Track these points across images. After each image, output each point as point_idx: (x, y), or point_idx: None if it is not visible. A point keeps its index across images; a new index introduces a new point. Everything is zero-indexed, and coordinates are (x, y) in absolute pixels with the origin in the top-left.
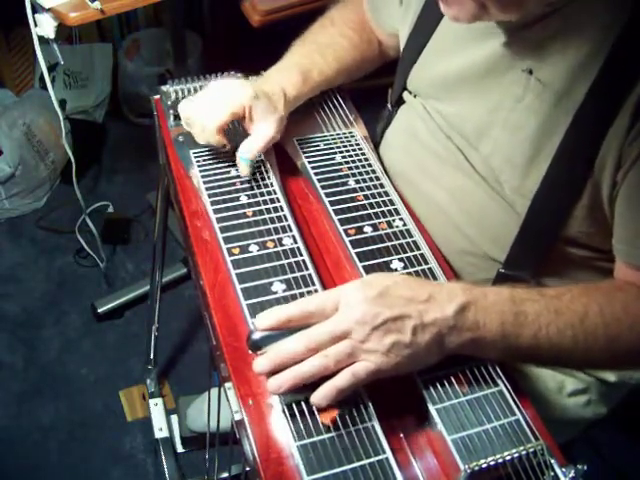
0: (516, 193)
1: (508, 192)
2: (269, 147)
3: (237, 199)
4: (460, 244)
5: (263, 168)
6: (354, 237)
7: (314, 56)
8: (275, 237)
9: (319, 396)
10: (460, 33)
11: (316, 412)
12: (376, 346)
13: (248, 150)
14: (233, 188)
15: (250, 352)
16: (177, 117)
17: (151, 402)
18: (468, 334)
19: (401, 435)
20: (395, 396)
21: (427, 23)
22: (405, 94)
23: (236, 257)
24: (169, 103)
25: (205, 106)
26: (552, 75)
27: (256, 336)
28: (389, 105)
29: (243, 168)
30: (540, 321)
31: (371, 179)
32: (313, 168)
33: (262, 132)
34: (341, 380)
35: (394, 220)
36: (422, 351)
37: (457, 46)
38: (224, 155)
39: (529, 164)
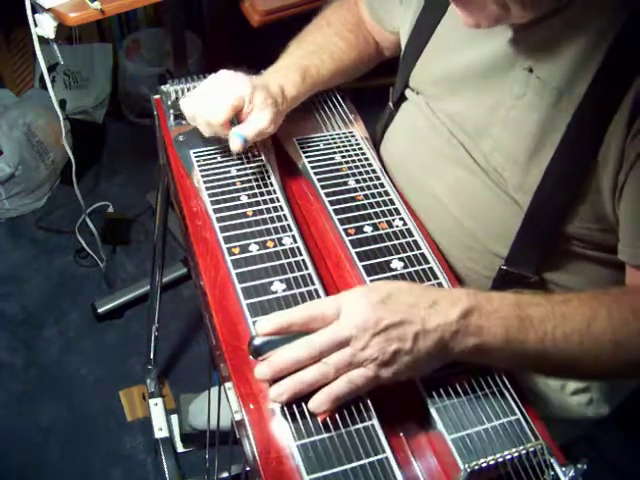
0: (518, 190)
1: (510, 188)
2: (269, 145)
3: (237, 199)
4: (460, 237)
5: (263, 168)
6: (354, 237)
7: (312, 56)
8: (275, 237)
9: (316, 403)
10: (462, 32)
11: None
12: (376, 353)
13: (244, 129)
14: (233, 188)
15: (251, 358)
16: (177, 117)
17: (151, 402)
18: (471, 339)
19: (401, 434)
20: (395, 395)
21: (428, 21)
22: (407, 91)
23: (236, 257)
24: (169, 103)
25: (207, 101)
26: (552, 73)
27: (257, 342)
28: (390, 103)
29: (235, 144)
30: (546, 325)
31: (371, 179)
32: (313, 168)
33: (258, 119)
34: (337, 387)
35: (394, 220)
36: (423, 358)
37: (460, 44)
38: (224, 155)
39: (530, 160)
